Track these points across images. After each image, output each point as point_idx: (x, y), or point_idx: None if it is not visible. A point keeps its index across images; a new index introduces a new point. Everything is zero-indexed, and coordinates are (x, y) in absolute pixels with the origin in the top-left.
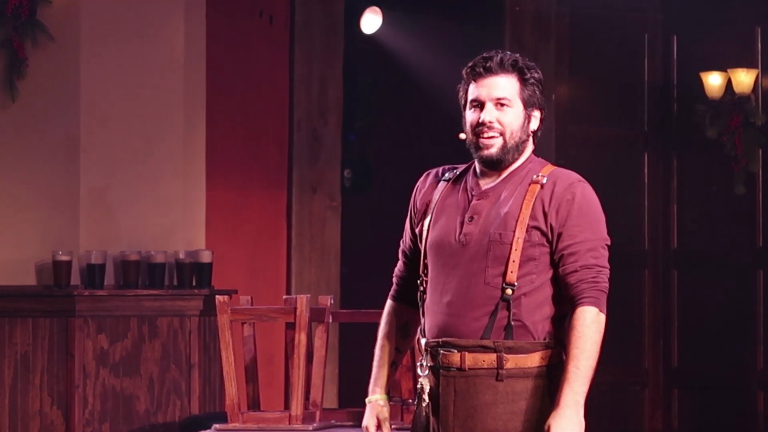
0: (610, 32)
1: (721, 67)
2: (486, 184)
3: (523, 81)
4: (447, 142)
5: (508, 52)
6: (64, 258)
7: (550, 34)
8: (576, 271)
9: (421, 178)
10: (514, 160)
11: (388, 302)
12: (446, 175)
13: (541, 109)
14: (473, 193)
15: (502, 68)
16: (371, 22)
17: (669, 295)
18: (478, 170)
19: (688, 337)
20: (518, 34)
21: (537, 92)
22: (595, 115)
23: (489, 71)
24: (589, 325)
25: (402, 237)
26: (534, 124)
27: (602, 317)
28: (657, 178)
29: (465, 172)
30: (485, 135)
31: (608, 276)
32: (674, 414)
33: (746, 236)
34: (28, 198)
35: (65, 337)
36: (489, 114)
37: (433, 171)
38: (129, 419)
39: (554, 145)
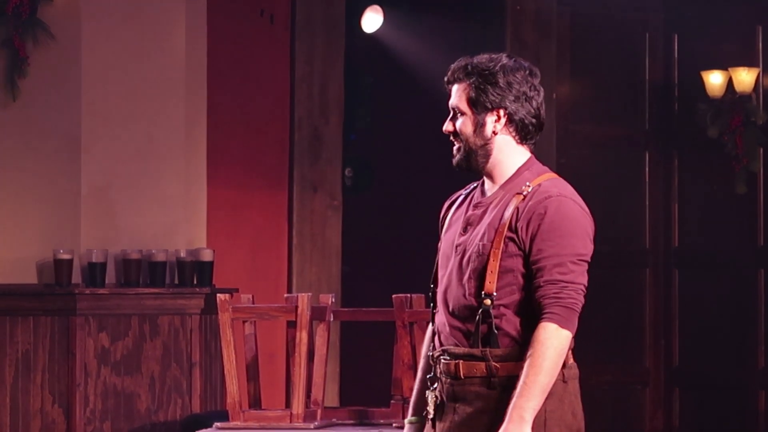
0: (611, 31)
1: (722, 66)
2: (484, 194)
3: (473, 87)
4: (448, 141)
5: (481, 56)
6: (65, 256)
7: (551, 33)
8: (540, 286)
9: (446, 200)
10: (484, 164)
11: (429, 326)
12: (468, 190)
13: (503, 109)
14: (472, 204)
15: (457, 76)
16: (372, 20)
17: (670, 295)
18: (484, 181)
19: (689, 337)
20: (519, 34)
21: (490, 95)
22: (596, 114)
23: (449, 82)
24: (543, 342)
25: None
26: (492, 127)
27: (563, 333)
28: (658, 177)
29: (477, 186)
30: (452, 145)
31: (581, 291)
32: (675, 413)
33: (747, 235)
34: (29, 196)
35: (66, 336)
36: (446, 124)
37: (456, 193)
38: (130, 418)
39: (555, 144)
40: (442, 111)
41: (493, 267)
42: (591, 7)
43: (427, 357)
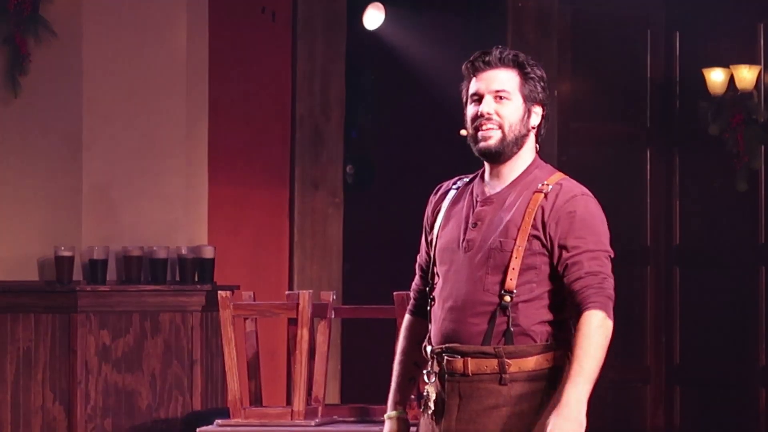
0: (612, 28)
1: (724, 64)
2: (491, 190)
3: (524, 75)
4: (449, 138)
5: (508, 48)
6: (67, 253)
7: (552, 30)
8: (581, 278)
9: (433, 192)
10: (513, 155)
11: (406, 317)
12: (457, 184)
13: (542, 106)
14: (478, 199)
15: (501, 62)
16: (374, 17)
17: (671, 292)
18: (486, 176)
19: (690, 334)
20: (520, 31)
21: (538, 88)
22: (597, 112)
23: (488, 65)
24: (595, 329)
25: (418, 251)
26: (535, 120)
27: (609, 323)
28: (659, 174)
29: (473, 179)
30: (484, 127)
31: (613, 286)
32: (676, 411)
33: (748, 233)
34: (30, 194)
35: (67, 333)
36: (487, 106)
37: (445, 183)
38: (131, 415)
39: (556, 141)
40: (444, 108)
41: (516, 264)
42: (592, 4)
43: (406, 351)
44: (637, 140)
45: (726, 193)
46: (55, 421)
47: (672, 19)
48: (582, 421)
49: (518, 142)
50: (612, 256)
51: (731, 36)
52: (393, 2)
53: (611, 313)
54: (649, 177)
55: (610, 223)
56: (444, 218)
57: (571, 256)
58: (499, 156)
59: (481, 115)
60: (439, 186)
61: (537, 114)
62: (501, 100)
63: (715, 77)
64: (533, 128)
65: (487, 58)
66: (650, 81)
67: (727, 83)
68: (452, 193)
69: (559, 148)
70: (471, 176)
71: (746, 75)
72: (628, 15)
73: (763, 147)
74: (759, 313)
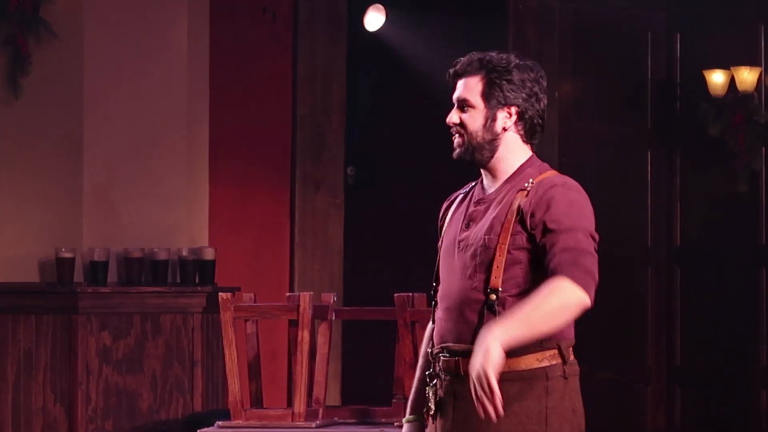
0: (613, 30)
1: (725, 65)
2: (486, 191)
3: (488, 80)
4: (450, 139)
5: (491, 53)
6: (68, 255)
7: (553, 31)
8: (555, 254)
9: (446, 200)
10: (489, 158)
11: (429, 325)
12: (465, 189)
13: (513, 106)
14: (473, 200)
15: (469, 69)
16: (375, 19)
17: (672, 293)
18: (483, 179)
19: (690, 335)
20: (522, 32)
21: (505, 90)
22: (598, 113)
23: (457, 75)
24: (552, 290)
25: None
26: (503, 123)
27: (577, 291)
28: (660, 175)
29: (475, 185)
30: (452, 137)
31: (595, 262)
32: (677, 411)
33: (749, 234)
34: (31, 195)
35: (68, 334)
36: (451, 116)
37: (454, 194)
38: (132, 416)
39: (557, 142)
40: (445, 109)
41: (499, 262)
42: (593, 5)
43: (426, 355)
44: (638, 141)
45: (727, 194)
46: (56, 422)
47: (673, 21)
48: (494, 359)
49: (489, 147)
50: (595, 238)
51: (732, 37)
52: (394, 3)
53: (588, 285)
54: (649, 178)
55: (610, 224)
56: (448, 223)
57: (549, 237)
58: (472, 162)
59: (448, 126)
60: (449, 196)
61: (506, 116)
62: (464, 109)
63: (716, 78)
64: (504, 130)
65: (456, 67)
66: (651, 82)
67: (728, 84)
68: (458, 198)
69: (559, 148)
70: (476, 181)
71: (747, 76)
72: (629, 16)
73: (763, 148)
74: (760, 313)
